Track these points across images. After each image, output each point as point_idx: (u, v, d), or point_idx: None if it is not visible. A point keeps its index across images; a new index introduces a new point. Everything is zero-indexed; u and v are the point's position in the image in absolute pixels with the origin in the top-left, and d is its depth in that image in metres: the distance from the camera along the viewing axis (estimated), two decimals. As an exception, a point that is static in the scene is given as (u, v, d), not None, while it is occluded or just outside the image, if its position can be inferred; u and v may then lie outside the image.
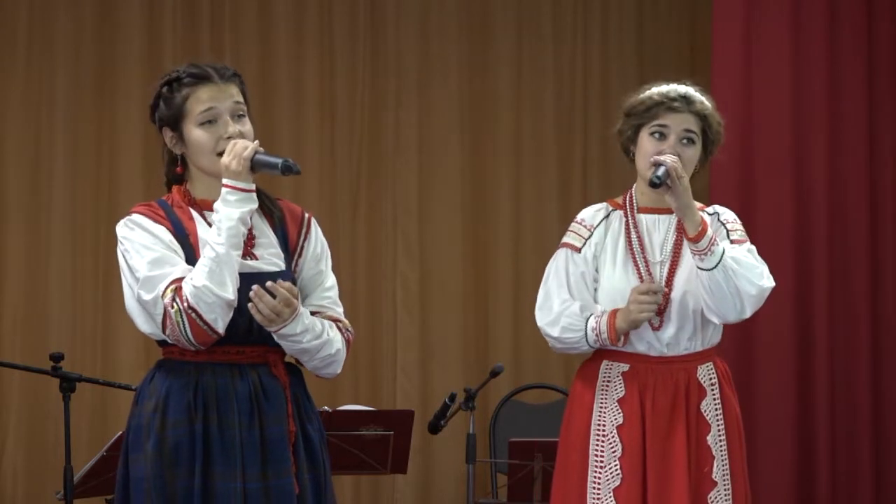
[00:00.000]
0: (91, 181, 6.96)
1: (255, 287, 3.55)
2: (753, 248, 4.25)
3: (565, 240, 4.32)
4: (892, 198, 6.47)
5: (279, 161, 3.61)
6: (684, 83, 4.29)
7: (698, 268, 4.13)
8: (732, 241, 4.23)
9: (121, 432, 5.08)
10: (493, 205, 7.22)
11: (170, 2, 7.04)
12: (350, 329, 3.78)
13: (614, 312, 4.18)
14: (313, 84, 7.12)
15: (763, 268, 4.20)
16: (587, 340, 4.22)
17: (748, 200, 6.39)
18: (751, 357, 6.34)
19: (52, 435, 6.61)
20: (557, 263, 4.30)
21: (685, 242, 4.22)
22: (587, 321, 4.21)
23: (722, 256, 4.11)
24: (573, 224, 4.33)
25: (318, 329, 3.66)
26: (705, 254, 4.11)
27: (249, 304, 3.56)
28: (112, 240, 6.82)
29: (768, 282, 4.19)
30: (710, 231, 4.13)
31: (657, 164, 4.13)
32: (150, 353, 6.80)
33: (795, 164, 6.41)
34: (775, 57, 6.41)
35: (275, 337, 3.62)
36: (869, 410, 6.36)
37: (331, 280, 3.78)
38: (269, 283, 3.55)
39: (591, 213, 4.34)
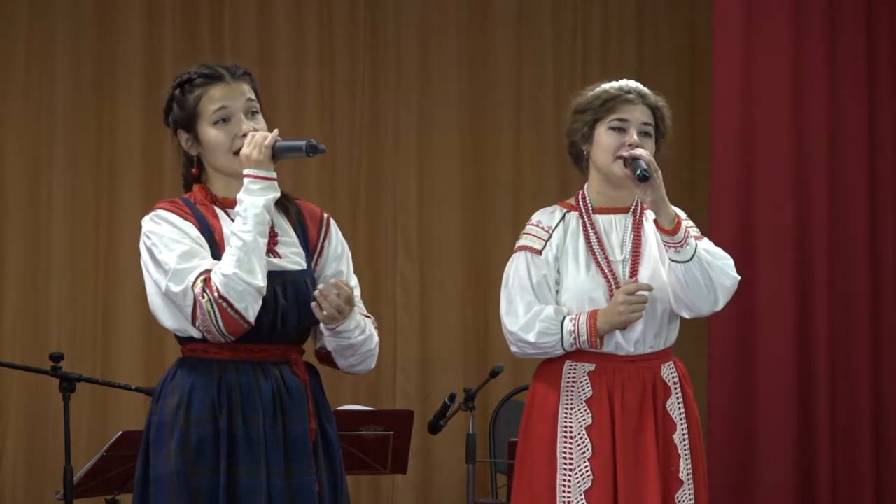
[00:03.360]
0: (91, 181, 6.96)
1: (321, 287, 3.58)
2: (712, 243, 4.26)
3: (523, 242, 4.25)
4: (892, 198, 6.46)
5: (302, 143, 3.62)
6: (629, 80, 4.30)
7: (672, 261, 4.10)
8: (694, 238, 4.23)
9: (120, 432, 5.11)
10: (493, 204, 7.22)
11: (170, 2, 7.04)
12: (376, 325, 3.83)
13: (594, 314, 4.13)
14: (313, 84, 7.13)
15: (731, 259, 4.20)
16: (562, 344, 4.16)
17: (748, 201, 6.39)
18: (751, 357, 6.34)
19: (52, 435, 6.61)
20: (517, 266, 4.23)
21: (644, 240, 4.20)
22: (562, 324, 4.15)
23: (696, 248, 4.10)
24: (529, 227, 4.28)
25: (363, 325, 3.73)
26: (681, 246, 4.08)
27: (313, 304, 3.58)
28: (112, 240, 6.95)
29: (735, 271, 4.19)
30: (684, 223, 4.11)
31: (634, 158, 4.09)
32: (150, 353, 6.83)
33: (795, 165, 6.40)
34: (775, 57, 6.41)
35: (326, 333, 3.66)
36: (870, 410, 6.35)
37: (354, 280, 3.80)
38: (333, 281, 3.59)
39: (546, 215, 4.28)
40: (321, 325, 3.68)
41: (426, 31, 7.24)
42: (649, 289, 4.12)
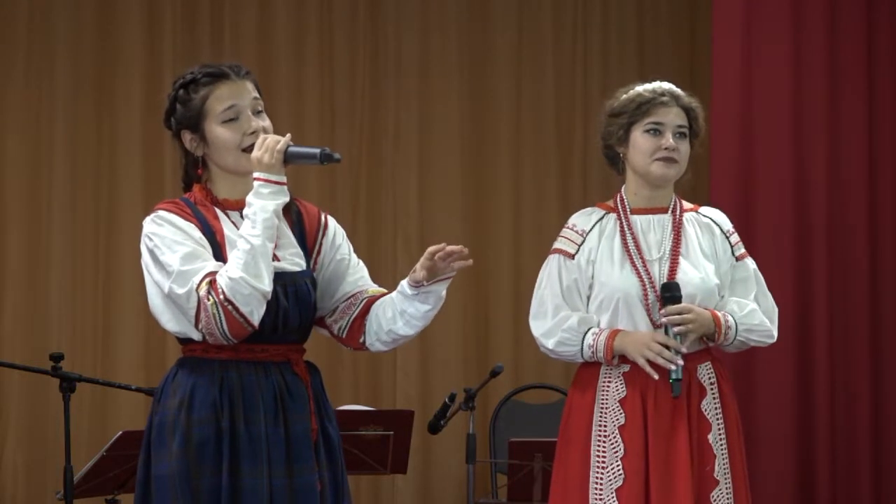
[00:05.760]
0: (91, 181, 6.96)
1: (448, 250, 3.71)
2: (754, 263, 4.35)
3: (558, 245, 4.31)
4: (892, 198, 6.46)
5: (317, 151, 3.58)
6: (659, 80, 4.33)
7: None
8: (738, 258, 4.30)
9: (120, 432, 5.11)
10: (493, 205, 7.22)
11: (170, 2, 7.04)
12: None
13: (614, 334, 4.19)
14: (313, 84, 7.13)
15: (773, 327, 4.32)
16: (582, 355, 4.23)
17: (748, 200, 6.39)
18: (751, 357, 6.33)
19: (52, 435, 6.61)
20: (550, 270, 4.30)
21: (685, 240, 4.27)
22: (584, 336, 4.22)
23: (736, 335, 4.24)
24: (565, 230, 4.33)
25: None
26: (724, 343, 4.25)
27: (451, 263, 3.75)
28: (112, 240, 6.95)
29: (774, 334, 4.33)
30: (723, 325, 4.21)
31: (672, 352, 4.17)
32: (150, 353, 6.83)
33: (795, 164, 6.40)
34: (775, 58, 6.41)
35: (432, 294, 3.72)
36: (869, 410, 6.35)
37: (360, 262, 3.80)
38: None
39: (583, 218, 4.34)
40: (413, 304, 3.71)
41: (426, 31, 7.24)
42: (681, 355, 4.16)
